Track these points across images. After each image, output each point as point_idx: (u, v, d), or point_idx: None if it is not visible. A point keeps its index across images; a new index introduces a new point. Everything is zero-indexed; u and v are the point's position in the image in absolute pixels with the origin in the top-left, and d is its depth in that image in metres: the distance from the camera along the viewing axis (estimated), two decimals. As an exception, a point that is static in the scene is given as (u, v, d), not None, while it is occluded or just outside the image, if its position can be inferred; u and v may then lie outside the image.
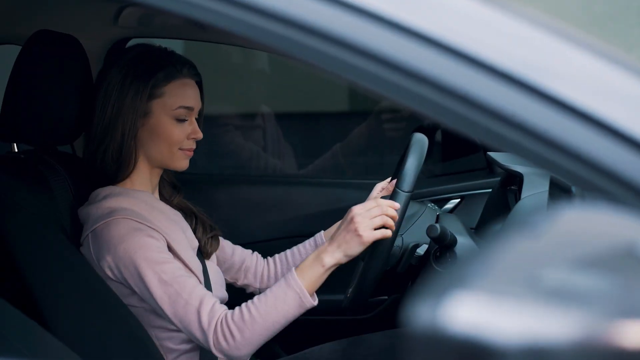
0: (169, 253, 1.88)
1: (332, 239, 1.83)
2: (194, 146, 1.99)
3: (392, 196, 1.89)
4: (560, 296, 0.79)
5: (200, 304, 1.80)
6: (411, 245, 2.05)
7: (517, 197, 2.02)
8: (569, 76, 0.98)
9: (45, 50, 1.99)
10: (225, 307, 1.82)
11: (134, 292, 1.88)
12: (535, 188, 1.98)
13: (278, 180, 3.04)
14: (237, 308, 1.80)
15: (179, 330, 1.93)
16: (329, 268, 1.81)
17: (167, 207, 2.04)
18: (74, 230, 2.00)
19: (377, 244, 1.87)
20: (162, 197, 2.10)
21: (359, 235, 1.79)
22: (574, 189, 1.98)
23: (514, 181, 2.16)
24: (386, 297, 2.66)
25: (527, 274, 0.80)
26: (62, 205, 2.00)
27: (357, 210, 1.82)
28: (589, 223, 0.88)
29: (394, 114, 3.41)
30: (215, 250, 2.13)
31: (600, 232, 0.87)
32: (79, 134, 2.13)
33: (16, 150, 2.15)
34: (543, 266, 0.82)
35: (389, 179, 2.16)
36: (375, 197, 2.11)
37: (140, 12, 2.50)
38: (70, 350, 1.63)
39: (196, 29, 2.49)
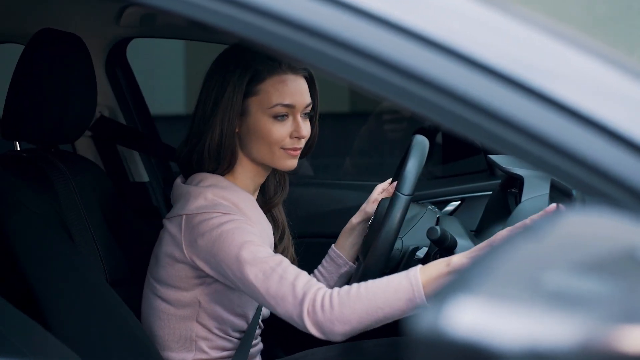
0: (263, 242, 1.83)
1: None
2: (298, 145, 1.90)
3: (392, 199, 1.89)
4: (561, 300, 0.79)
5: (296, 278, 1.72)
6: (411, 248, 2.05)
7: (518, 200, 2.02)
8: (568, 78, 0.98)
9: (48, 48, 1.99)
10: (322, 284, 1.75)
11: (204, 283, 1.87)
12: (535, 191, 1.98)
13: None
14: (346, 285, 1.73)
15: (217, 335, 1.94)
16: (454, 270, 1.68)
17: (264, 217, 1.99)
18: (80, 226, 2.01)
19: (375, 246, 1.87)
20: (261, 198, 2.05)
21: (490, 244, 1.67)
22: (574, 192, 1.98)
23: (514, 184, 2.16)
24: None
25: (528, 278, 0.81)
26: (64, 204, 2.00)
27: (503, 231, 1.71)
28: (590, 227, 0.88)
29: (394, 115, 3.41)
30: None
31: (601, 236, 0.87)
32: (81, 133, 2.14)
33: (18, 148, 2.15)
34: (544, 270, 0.82)
35: (390, 180, 2.16)
36: (375, 199, 2.11)
37: (142, 11, 2.50)
38: (70, 350, 1.63)
39: (198, 29, 2.49)
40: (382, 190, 2.14)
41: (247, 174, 1.95)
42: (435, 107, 0.97)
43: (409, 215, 2.04)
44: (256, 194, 2.01)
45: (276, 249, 2.04)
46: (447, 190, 2.77)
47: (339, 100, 6.18)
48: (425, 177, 2.96)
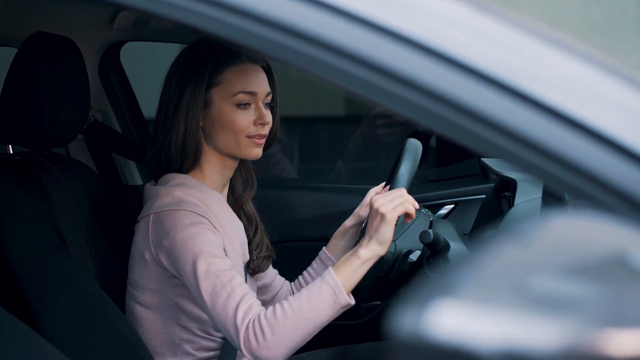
0: (223, 252, 1.85)
1: (364, 234, 1.82)
2: (262, 132, 1.93)
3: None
4: (547, 304, 0.79)
5: (241, 300, 1.75)
6: (404, 251, 2.05)
7: (511, 203, 2.02)
8: (558, 82, 0.98)
9: (42, 52, 1.99)
10: (262, 307, 1.77)
11: (178, 284, 1.88)
12: (528, 194, 1.98)
13: (272, 184, 3.04)
14: (271, 306, 1.76)
15: (200, 336, 1.94)
16: (366, 261, 1.78)
17: (234, 215, 2.01)
18: (73, 230, 2.00)
19: None
20: (232, 195, 2.07)
21: (383, 215, 1.78)
22: (567, 196, 1.99)
23: (507, 187, 2.16)
24: (379, 303, 2.66)
25: (514, 281, 0.81)
26: (57, 208, 2.00)
27: (377, 196, 1.83)
28: (579, 231, 0.88)
29: (388, 119, 3.42)
30: (264, 270, 2.10)
31: (590, 240, 0.87)
32: (75, 136, 2.13)
33: (11, 152, 2.15)
34: (531, 273, 0.82)
35: (383, 184, 2.16)
36: (369, 203, 2.11)
37: (135, 15, 2.50)
38: (63, 355, 1.62)
39: (191, 33, 2.49)
40: (375, 194, 2.14)
41: (214, 168, 1.97)
42: (425, 111, 0.97)
43: (402, 218, 2.04)
44: (225, 190, 2.03)
45: (251, 244, 2.06)
46: (441, 194, 2.77)
47: (335, 104, 6.18)
48: (419, 180, 2.96)
